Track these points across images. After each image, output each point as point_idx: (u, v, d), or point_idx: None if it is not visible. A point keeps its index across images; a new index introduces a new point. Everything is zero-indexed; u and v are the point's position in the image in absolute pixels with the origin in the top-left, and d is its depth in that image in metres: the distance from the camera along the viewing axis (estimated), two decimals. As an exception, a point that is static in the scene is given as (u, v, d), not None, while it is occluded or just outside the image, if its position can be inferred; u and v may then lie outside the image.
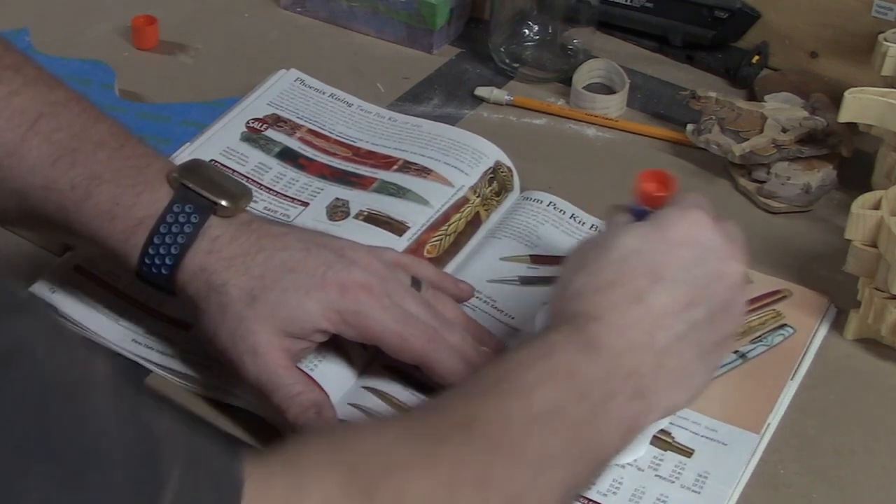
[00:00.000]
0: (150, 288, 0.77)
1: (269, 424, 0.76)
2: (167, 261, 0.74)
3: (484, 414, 0.62)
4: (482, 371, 0.67)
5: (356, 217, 0.89)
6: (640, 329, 0.68)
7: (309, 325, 0.74)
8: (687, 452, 0.76)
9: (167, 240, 0.74)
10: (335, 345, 0.79)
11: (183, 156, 0.94)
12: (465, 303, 0.85)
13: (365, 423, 0.66)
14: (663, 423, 0.77)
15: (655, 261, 0.69)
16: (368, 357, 0.80)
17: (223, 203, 0.75)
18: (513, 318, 0.84)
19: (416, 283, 0.79)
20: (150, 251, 0.74)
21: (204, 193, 0.75)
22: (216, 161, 0.93)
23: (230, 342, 0.74)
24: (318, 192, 0.92)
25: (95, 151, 0.76)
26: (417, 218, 0.88)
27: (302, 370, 0.76)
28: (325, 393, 0.76)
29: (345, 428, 0.63)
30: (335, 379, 0.79)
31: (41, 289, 0.84)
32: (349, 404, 0.78)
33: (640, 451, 0.76)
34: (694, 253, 0.70)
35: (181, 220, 0.75)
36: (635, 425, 0.67)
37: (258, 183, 0.92)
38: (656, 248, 0.70)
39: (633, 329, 0.68)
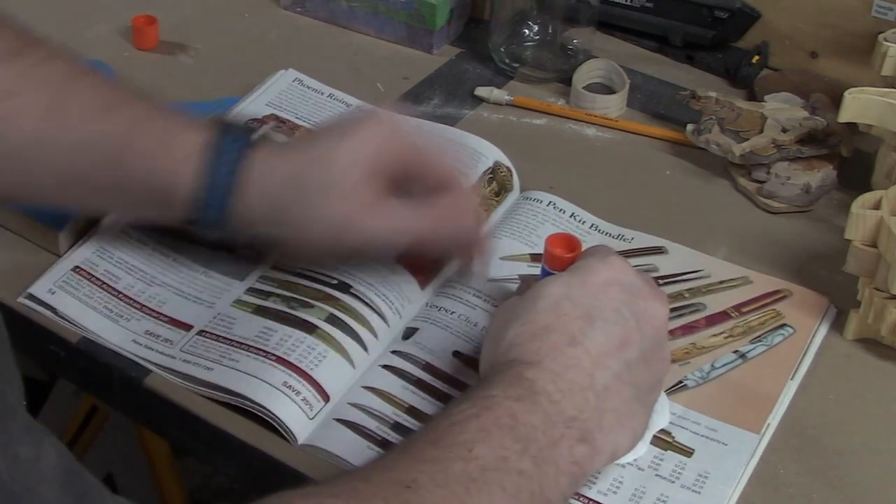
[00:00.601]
0: (197, 230, 0.80)
1: (268, 424, 0.76)
2: (221, 191, 0.77)
3: (425, 478, 0.62)
4: (426, 427, 0.68)
5: (355, 217, 0.89)
6: (579, 370, 0.68)
7: (372, 157, 0.77)
8: (687, 452, 0.76)
9: (224, 158, 0.77)
10: (336, 345, 0.79)
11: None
12: (465, 302, 0.85)
13: (315, 486, 0.66)
14: (663, 423, 0.77)
15: (587, 303, 0.70)
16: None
17: (253, 136, 0.79)
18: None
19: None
20: (206, 179, 0.77)
21: (239, 124, 0.80)
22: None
23: (321, 233, 0.78)
24: (317, 193, 0.92)
25: (131, 102, 0.79)
26: (416, 218, 0.88)
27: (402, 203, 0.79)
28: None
29: (295, 493, 0.63)
30: (336, 379, 0.79)
31: (40, 290, 0.84)
32: (349, 404, 0.78)
33: (641, 450, 0.76)
34: (621, 293, 0.71)
35: (229, 143, 0.78)
36: (582, 471, 0.68)
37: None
38: (585, 292, 0.71)
39: (573, 371, 0.68)
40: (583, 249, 0.76)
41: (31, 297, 0.84)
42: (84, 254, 0.86)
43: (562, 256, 0.75)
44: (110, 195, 0.81)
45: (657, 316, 0.72)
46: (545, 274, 0.76)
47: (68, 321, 0.82)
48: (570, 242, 0.76)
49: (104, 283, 0.85)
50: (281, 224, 0.79)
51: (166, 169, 0.78)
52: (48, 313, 0.83)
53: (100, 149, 0.77)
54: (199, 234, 0.82)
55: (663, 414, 0.78)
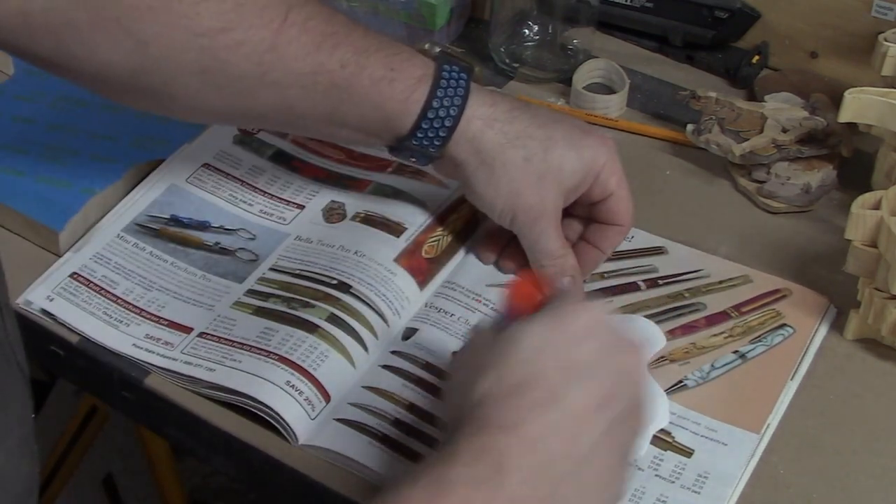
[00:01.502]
0: (407, 157, 0.83)
1: (268, 424, 0.76)
2: (447, 120, 0.80)
3: None
4: None
5: (353, 219, 0.89)
6: (560, 435, 0.60)
7: (586, 173, 0.82)
8: (687, 452, 0.76)
9: (448, 93, 0.79)
10: (337, 345, 0.79)
11: (180, 156, 0.94)
12: (464, 305, 0.85)
13: None
14: (664, 423, 0.77)
15: (566, 357, 0.63)
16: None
17: (475, 69, 0.81)
18: (513, 318, 0.84)
19: None
20: (434, 104, 0.79)
21: (461, 58, 0.82)
22: (209, 164, 0.93)
23: (504, 202, 0.82)
24: (314, 195, 0.92)
25: (350, 32, 0.80)
26: (414, 219, 0.88)
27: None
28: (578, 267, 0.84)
29: None
30: (337, 379, 0.79)
31: (38, 296, 0.84)
32: (349, 404, 0.78)
33: (640, 451, 0.76)
34: (600, 346, 0.64)
35: (454, 77, 0.80)
36: None
37: (252, 186, 0.92)
38: (563, 344, 0.63)
39: (553, 437, 0.60)
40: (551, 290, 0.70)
41: (29, 304, 0.84)
42: (81, 259, 0.86)
43: (532, 296, 0.68)
44: (325, 121, 0.82)
45: (635, 370, 0.66)
46: (507, 318, 0.68)
47: (67, 328, 0.83)
48: (537, 283, 0.70)
49: (102, 288, 0.85)
50: (470, 174, 0.82)
51: (391, 97, 0.79)
52: (47, 320, 0.83)
53: (323, 79, 0.79)
54: (399, 158, 0.85)
55: (663, 414, 0.78)
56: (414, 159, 0.83)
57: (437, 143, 0.81)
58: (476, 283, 0.86)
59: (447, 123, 0.80)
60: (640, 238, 0.91)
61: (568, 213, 0.85)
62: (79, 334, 0.82)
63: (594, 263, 0.87)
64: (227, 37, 0.76)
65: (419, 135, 0.80)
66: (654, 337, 0.82)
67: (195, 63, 0.77)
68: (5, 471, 0.62)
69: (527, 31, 1.08)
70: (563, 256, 0.84)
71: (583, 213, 0.87)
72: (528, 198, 0.82)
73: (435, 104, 0.80)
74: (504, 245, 0.88)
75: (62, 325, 0.83)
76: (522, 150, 0.82)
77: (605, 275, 0.88)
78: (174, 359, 0.80)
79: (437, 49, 0.86)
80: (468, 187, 0.84)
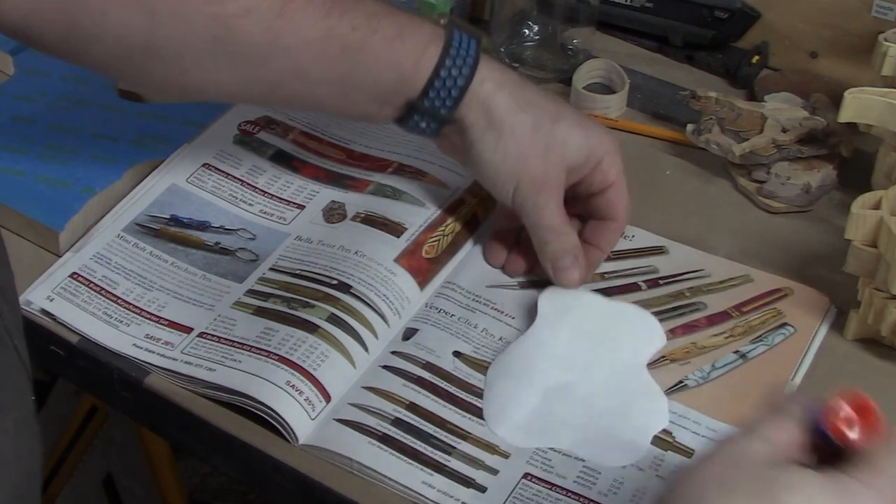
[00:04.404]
0: (416, 125, 0.83)
1: (268, 424, 0.76)
2: (459, 80, 0.80)
3: None
4: None
5: (353, 219, 0.89)
6: None
7: (590, 154, 0.83)
8: (688, 453, 0.76)
9: (460, 52, 0.80)
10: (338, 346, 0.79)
11: (180, 156, 0.94)
12: (464, 305, 0.85)
13: None
14: (664, 423, 0.77)
15: None
16: None
17: (482, 39, 0.82)
18: (513, 318, 0.84)
19: None
20: (447, 63, 0.80)
21: (467, 26, 0.83)
22: (209, 164, 0.93)
23: (509, 169, 0.82)
24: (314, 195, 0.92)
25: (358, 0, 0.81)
26: (414, 219, 0.88)
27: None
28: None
29: None
30: (337, 379, 0.79)
31: (38, 297, 0.84)
32: (349, 404, 0.78)
33: (640, 453, 0.76)
34: None
35: (464, 40, 0.81)
36: None
37: (252, 186, 0.92)
38: None
39: None
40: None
41: (29, 304, 0.84)
42: (81, 260, 0.86)
43: (873, 424, 0.57)
44: (338, 88, 0.82)
45: None
46: (818, 430, 0.57)
47: (68, 328, 0.82)
48: (868, 414, 0.58)
49: (102, 288, 0.85)
50: (477, 138, 0.82)
51: (404, 56, 0.80)
52: (47, 320, 0.83)
53: (335, 43, 0.79)
54: (407, 129, 0.84)
55: (661, 413, 0.78)
56: (424, 124, 0.83)
57: (448, 103, 0.81)
58: (476, 283, 0.86)
59: (459, 83, 0.80)
60: (641, 238, 0.91)
61: (565, 208, 0.85)
62: (79, 334, 0.82)
63: (595, 263, 0.87)
64: (235, 4, 0.77)
65: (431, 94, 0.81)
66: (653, 334, 0.82)
67: (206, 32, 0.77)
68: (6, 453, 0.62)
69: (527, 31, 1.08)
70: (567, 233, 0.84)
71: (580, 208, 0.87)
72: (534, 166, 0.82)
73: (447, 63, 0.80)
74: (512, 245, 0.88)
75: (62, 325, 0.83)
76: (532, 116, 0.82)
77: (606, 275, 0.88)
78: (174, 359, 0.80)
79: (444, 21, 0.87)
80: (473, 153, 0.83)
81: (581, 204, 0.87)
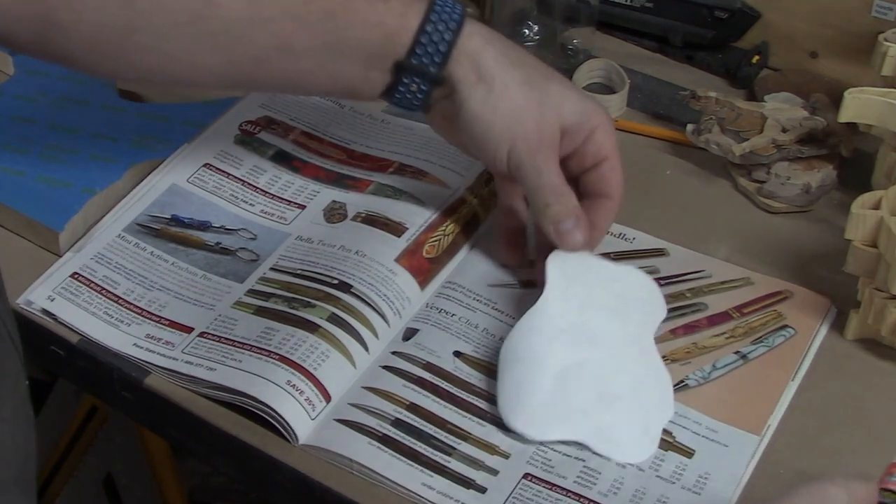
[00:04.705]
0: (405, 94, 0.80)
1: (268, 424, 0.76)
2: (446, 34, 0.78)
3: None
4: None
5: (354, 219, 0.89)
6: None
7: (584, 119, 0.80)
8: (688, 453, 0.76)
9: (445, 8, 0.78)
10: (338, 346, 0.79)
11: (181, 156, 0.94)
12: (465, 305, 0.85)
13: None
14: (665, 421, 0.77)
15: None
16: None
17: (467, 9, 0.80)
18: (514, 318, 0.84)
19: None
20: (432, 18, 0.78)
21: None
22: (210, 164, 0.93)
23: (503, 127, 0.79)
24: (315, 195, 0.92)
25: None
26: (415, 219, 0.88)
27: None
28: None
29: None
30: (337, 379, 0.79)
31: (39, 296, 0.84)
32: (349, 404, 0.78)
33: (649, 451, 0.76)
34: None
35: (448, 2, 0.79)
36: None
37: (253, 186, 0.92)
38: None
39: None
40: None
41: (30, 304, 0.84)
42: (82, 259, 0.86)
43: None
44: (325, 57, 0.79)
45: None
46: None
47: (68, 328, 0.83)
48: None
49: (103, 288, 0.85)
50: (467, 95, 0.79)
51: (389, 13, 0.78)
52: (48, 320, 0.83)
53: (316, 7, 0.77)
54: (398, 103, 0.82)
55: (667, 406, 0.78)
56: (414, 87, 0.80)
57: (437, 59, 0.78)
58: (477, 282, 0.86)
59: (446, 37, 0.78)
60: (641, 240, 0.91)
61: None
62: (79, 334, 0.82)
63: (594, 243, 0.85)
64: None
65: (419, 52, 0.78)
66: (657, 304, 0.82)
67: (185, 12, 0.76)
68: (3, 439, 0.62)
69: (527, 31, 1.08)
70: (568, 194, 0.81)
71: (573, 187, 0.84)
72: (529, 123, 0.80)
73: (433, 18, 0.78)
74: (524, 243, 0.87)
75: (63, 325, 0.83)
76: (523, 72, 0.80)
77: (606, 275, 0.88)
78: (175, 358, 0.80)
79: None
80: (464, 114, 0.80)
81: (573, 182, 0.84)
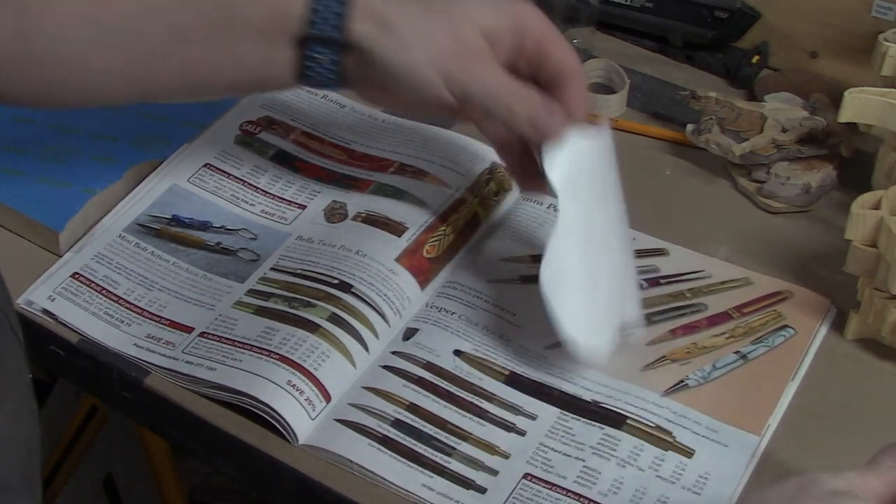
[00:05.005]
0: (317, 62, 0.77)
1: (268, 424, 0.76)
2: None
3: None
4: None
5: (354, 219, 0.89)
6: None
7: (507, 21, 0.77)
8: (688, 453, 0.76)
9: None
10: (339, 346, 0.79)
11: (181, 156, 0.94)
12: (465, 302, 0.85)
13: None
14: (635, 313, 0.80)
15: None
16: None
17: None
18: (514, 314, 0.84)
19: None
20: None
21: None
22: (211, 165, 0.94)
23: (422, 59, 0.76)
24: (315, 195, 0.92)
25: None
26: (415, 219, 0.88)
27: None
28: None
29: None
30: (337, 379, 0.79)
31: (39, 296, 0.84)
32: (349, 404, 0.78)
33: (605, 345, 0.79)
34: None
35: None
36: None
37: (254, 186, 0.92)
38: None
39: None
40: None
41: (31, 304, 0.84)
42: (83, 260, 0.86)
43: None
44: (220, 38, 0.77)
45: None
46: None
47: (69, 328, 0.83)
48: None
49: (103, 288, 0.85)
50: (377, 46, 0.76)
51: None
52: (48, 320, 0.83)
53: None
54: (310, 80, 0.79)
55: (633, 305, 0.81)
56: (324, 58, 0.77)
57: (336, 22, 0.76)
58: (477, 279, 0.86)
59: (338, 10, 0.76)
60: (642, 241, 0.91)
61: None
62: (79, 334, 0.82)
63: (579, 123, 0.81)
64: None
65: (315, 20, 0.76)
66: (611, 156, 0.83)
67: (75, 15, 0.74)
68: (7, 433, 0.62)
69: (527, 31, 1.08)
70: (527, 90, 0.78)
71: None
72: (444, 40, 0.77)
73: None
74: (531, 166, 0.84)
75: (63, 325, 0.83)
76: (420, 4, 0.77)
77: (606, 275, 0.88)
78: (175, 358, 0.80)
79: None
80: (384, 67, 0.77)
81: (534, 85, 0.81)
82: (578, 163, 0.80)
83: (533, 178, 0.84)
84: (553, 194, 0.80)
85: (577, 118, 0.80)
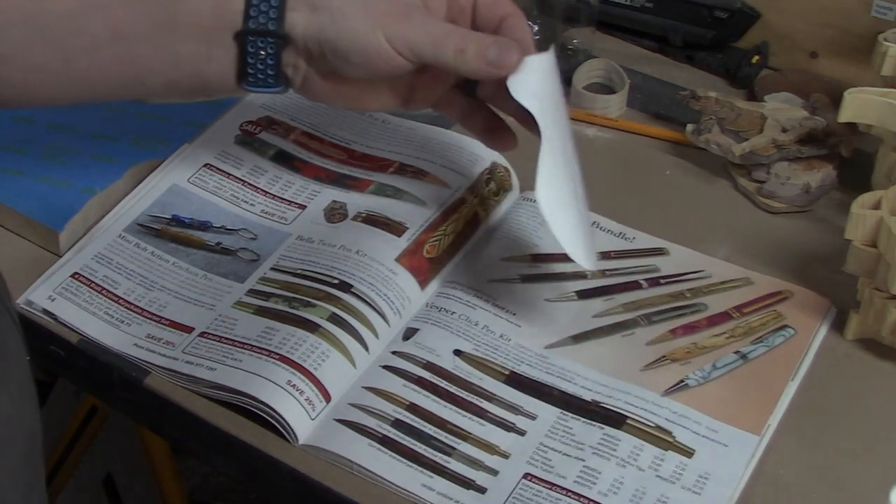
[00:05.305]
0: (257, 59, 0.76)
1: (268, 424, 0.76)
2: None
3: None
4: None
5: (354, 219, 0.89)
6: None
7: None
8: (688, 453, 0.76)
9: None
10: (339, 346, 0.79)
11: (181, 156, 0.94)
12: (465, 302, 0.85)
13: None
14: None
15: None
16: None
17: None
18: (514, 314, 0.84)
19: None
20: None
21: None
22: (211, 165, 0.94)
23: (360, 27, 0.75)
24: (315, 195, 0.92)
25: None
26: (415, 219, 0.88)
27: None
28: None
29: None
30: (337, 379, 0.79)
31: (40, 296, 0.84)
32: (349, 404, 0.78)
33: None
34: None
35: None
36: None
37: (254, 186, 0.92)
38: None
39: None
40: None
41: (31, 304, 0.84)
42: (83, 260, 0.87)
43: None
44: (159, 39, 0.76)
45: None
46: None
47: (69, 328, 0.83)
48: None
49: (104, 288, 0.85)
50: (317, 29, 0.76)
51: None
52: (48, 320, 0.83)
53: None
54: (252, 83, 0.78)
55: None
56: (263, 53, 0.77)
57: (273, 14, 0.75)
58: (477, 279, 0.86)
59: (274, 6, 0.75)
60: (641, 239, 0.91)
61: None
62: (79, 334, 0.82)
63: (528, 53, 0.80)
64: None
65: (252, 13, 0.75)
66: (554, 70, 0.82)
67: (16, 10, 0.73)
68: (11, 416, 0.62)
69: (527, 31, 1.08)
70: (471, 31, 0.78)
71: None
72: (382, 5, 0.76)
73: None
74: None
75: (63, 325, 0.83)
76: None
77: (607, 272, 0.88)
78: (175, 358, 0.80)
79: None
80: (326, 47, 0.76)
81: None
82: (541, 83, 0.80)
83: (499, 131, 0.85)
84: (533, 122, 0.79)
85: (528, 51, 0.79)
